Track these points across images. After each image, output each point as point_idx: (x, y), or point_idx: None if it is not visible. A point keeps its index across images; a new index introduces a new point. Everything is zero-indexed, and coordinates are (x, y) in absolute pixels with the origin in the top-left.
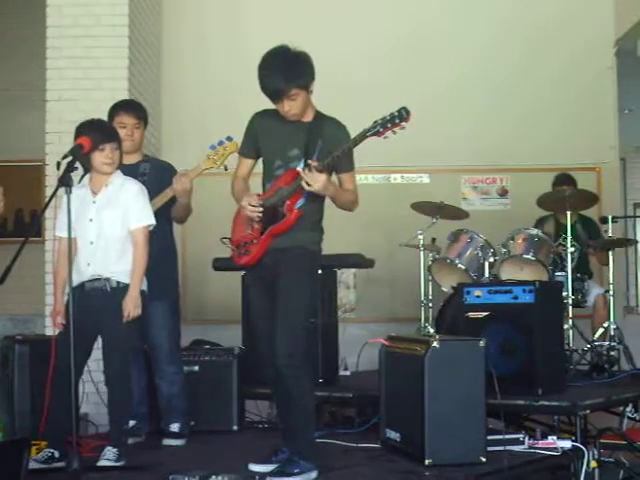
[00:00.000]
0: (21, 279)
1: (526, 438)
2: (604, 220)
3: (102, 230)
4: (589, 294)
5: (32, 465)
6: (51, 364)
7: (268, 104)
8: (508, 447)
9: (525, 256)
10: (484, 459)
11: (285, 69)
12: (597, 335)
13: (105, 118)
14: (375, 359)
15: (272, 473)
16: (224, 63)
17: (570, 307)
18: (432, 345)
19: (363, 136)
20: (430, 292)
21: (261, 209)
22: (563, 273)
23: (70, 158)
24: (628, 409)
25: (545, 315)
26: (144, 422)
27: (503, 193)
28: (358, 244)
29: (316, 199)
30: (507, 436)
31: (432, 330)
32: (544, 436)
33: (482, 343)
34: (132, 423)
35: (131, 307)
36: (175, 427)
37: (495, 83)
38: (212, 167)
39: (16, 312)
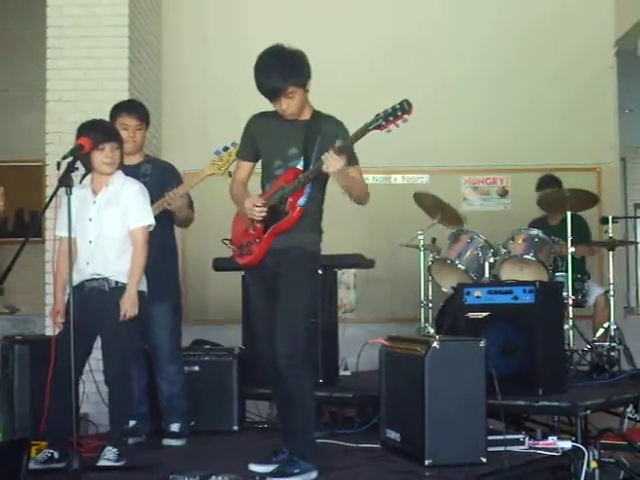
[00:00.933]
0: (21, 279)
1: (526, 438)
2: (604, 220)
3: (101, 230)
4: (589, 294)
5: (32, 465)
6: (51, 364)
7: (269, 104)
8: (508, 447)
9: (525, 256)
10: (484, 459)
11: (281, 68)
12: (597, 335)
13: (106, 119)
14: (375, 359)
15: (272, 473)
16: (225, 64)
17: (570, 307)
18: (432, 345)
19: (365, 129)
20: (430, 292)
21: (266, 208)
22: (562, 274)
23: (70, 158)
24: (628, 409)
25: (545, 315)
26: (144, 422)
27: (503, 193)
28: (358, 244)
29: (317, 198)
30: (507, 436)
31: (432, 330)
32: (544, 436)
33: (482, 343)
34: (132, 423)
35: (128, 306)
36: (175, 427)
37: (495, 83)
38: (216, 173)
39: (16, 312)
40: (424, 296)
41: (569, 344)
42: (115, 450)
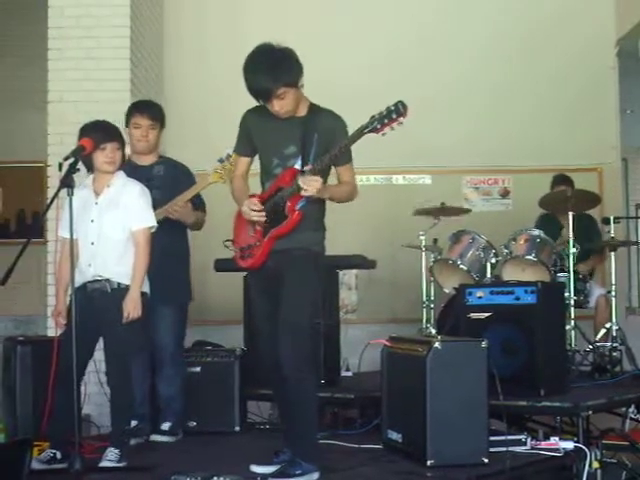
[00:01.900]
0: (23, 280)
1: (528, 439)
2: (606, 221)
3: (103, 231)
4: (591, 295)
5: (34, 466)
6: (53, 365)
7: None
8: (510, 448)
9: (527, 257)
10: (486, 460)
11: (270, 69)
12: (599, 336)
13: (108, 119)
14: (377, 360)
15: (274, 474)
16: (225, 64)
17: (572, 308)
18: (434, 346)
19: (360, 133)
20: (432, 293)
21: (264, 213)
22: (564, 274)
23: (72, 159)
24: (630, 410)
25: (547, 316)
26: (146, 423)
27: (505, 194)
28: (360, 245)
29: (317, 199)
30: (509, 437)
31: (434, 331)
32: (546, 437)
33: (484, 344)
34: (134, 424)
35: (131, 308)
36: (166, 426)
37: (496, 84)
38: (219, 182)
39: (18, 313)
40: (426, 297)
41: (571, 344)
42: (117, 451)
